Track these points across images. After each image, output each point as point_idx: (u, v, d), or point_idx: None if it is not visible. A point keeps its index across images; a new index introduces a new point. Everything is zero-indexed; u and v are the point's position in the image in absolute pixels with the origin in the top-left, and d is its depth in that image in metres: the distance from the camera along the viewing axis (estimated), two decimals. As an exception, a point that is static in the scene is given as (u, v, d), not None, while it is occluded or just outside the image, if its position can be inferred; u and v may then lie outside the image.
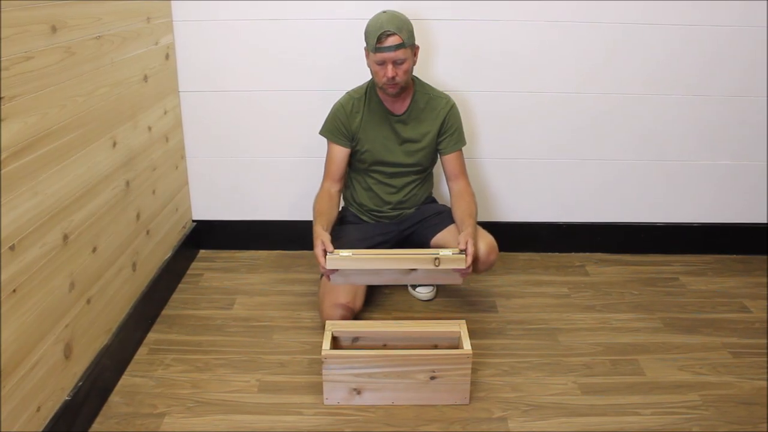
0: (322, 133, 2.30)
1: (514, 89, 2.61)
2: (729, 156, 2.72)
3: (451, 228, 2.25)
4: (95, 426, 1.79)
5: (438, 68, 2.58)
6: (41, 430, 1.58)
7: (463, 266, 1.99)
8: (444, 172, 2.35)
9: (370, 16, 2.14)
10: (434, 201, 2.48)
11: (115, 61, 1.99)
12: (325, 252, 1.99)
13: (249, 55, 2.57)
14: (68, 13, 1.69)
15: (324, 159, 2.32)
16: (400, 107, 2.26)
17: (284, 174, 2.73)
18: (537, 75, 2.59)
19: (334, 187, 2.28)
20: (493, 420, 1.82)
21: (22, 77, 1.48)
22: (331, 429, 1.79)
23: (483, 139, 2.69)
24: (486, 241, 2.18)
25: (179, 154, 2.63)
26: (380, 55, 2.09)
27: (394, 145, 2.28)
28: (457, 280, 2.06)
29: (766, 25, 2.51)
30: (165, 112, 2.45)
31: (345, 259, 1.99)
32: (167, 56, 2.46)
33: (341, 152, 2.28)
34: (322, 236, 2.03)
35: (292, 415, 1.84)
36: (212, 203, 2.79)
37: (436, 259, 1.98)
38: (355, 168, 2.37)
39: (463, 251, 2.00)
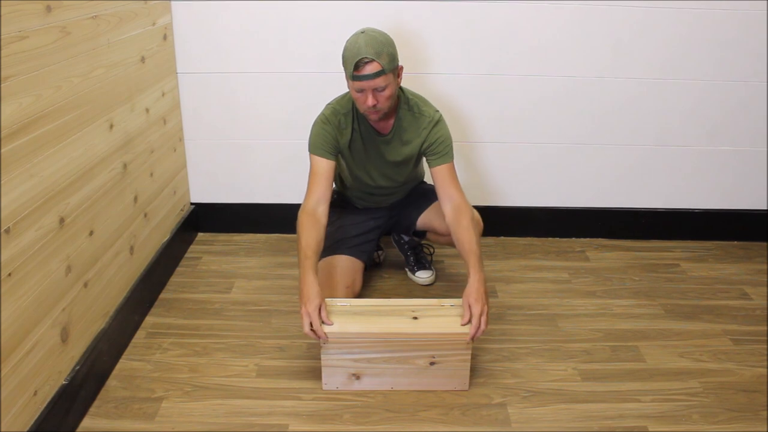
0: (314, 151, 2.07)
1: (516, 73, 2.58)
2: (730, 142, 2.70)
3: (435, 207, 2.24)
4: (92, 410, 1.78)
5: (436, 50, 2.54)
6: (38, 414, 1.57)
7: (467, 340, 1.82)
8: (436, 188, 2.11)
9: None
10: (422, 183, 2.46)
11: (111, 42, 1.96)
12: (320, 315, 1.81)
13: (248, 36, 2.53)
14: (63, -8, 1.66)
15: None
16: (384, 126, 2.13)
17: (283, 156, 2.70)
18: (538, 59, 2.56)
19: (322, 207, 2.02)
20: (492, 406, 1.82)
21: (16, 57, 1.46)
22: (330, 414, 1.78)
23: (484, 122, 2.66)
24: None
25: (177, 136, 2.60)
26: (358, 84, 1.91)
27: (380, 168, 2.21)
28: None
29: (766, 10, 2.48)
30: (163, 94, 2.42)
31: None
32: (165, 37, 2.43)
33: (330, 166, 2.08)
34: (317, 300, 1.80)
35: (291, 400, 1.83)
36: (211, 186, 2.77)
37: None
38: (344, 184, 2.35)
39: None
